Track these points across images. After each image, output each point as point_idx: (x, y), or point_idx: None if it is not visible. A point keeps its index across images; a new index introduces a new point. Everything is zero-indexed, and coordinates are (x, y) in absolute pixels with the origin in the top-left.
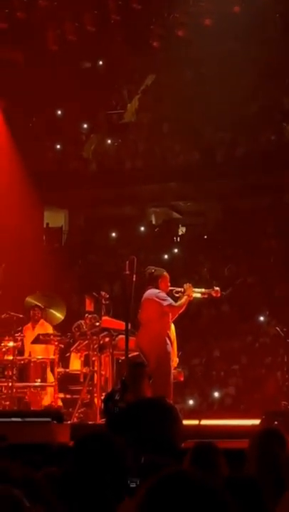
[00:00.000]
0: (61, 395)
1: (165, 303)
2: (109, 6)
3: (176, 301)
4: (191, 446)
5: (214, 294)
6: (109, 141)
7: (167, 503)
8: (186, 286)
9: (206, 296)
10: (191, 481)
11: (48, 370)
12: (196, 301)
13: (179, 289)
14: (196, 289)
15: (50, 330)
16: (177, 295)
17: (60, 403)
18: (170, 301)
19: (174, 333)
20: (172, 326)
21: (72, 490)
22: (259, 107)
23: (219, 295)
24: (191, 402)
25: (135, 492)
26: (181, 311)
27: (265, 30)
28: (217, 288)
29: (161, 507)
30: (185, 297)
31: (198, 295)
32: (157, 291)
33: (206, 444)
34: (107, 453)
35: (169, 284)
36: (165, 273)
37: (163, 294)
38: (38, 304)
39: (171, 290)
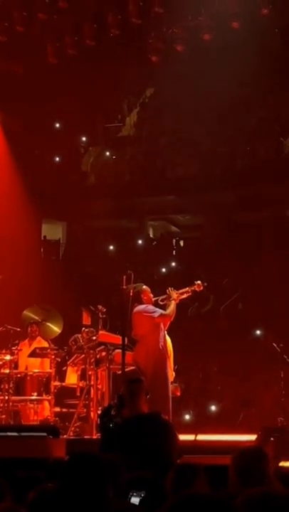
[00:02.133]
0: (57, 409)
1: (155, 314)
2: (108, 20)
3: (164, 309)
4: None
5: (197, 289)
6: (107, 154)
7: None
8: (169, 291)
9: (190, 293)
10: (207, 500)
11: (44, 383)
12: (191, 315)
13: (163, 297)
14: (180, 291)
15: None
16: (162, 303)
17: (55, 418)
18: (159, 311)
19: (171, 348)
20: (169, 341)
21: (64, 507)
22: (258, 119)
23: (202, 288)
24: (187, 416)
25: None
26: (172, 317)
27: (264, 44)
28: (198, 282)
29: None
30: (173, 302)
31: (184, 295)
32: (144, 305)
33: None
34: (96, 472)
35: (151, 296)
36: (144, 287)
37: (150, 307)
38: (36, 317)
39: (156, 300)
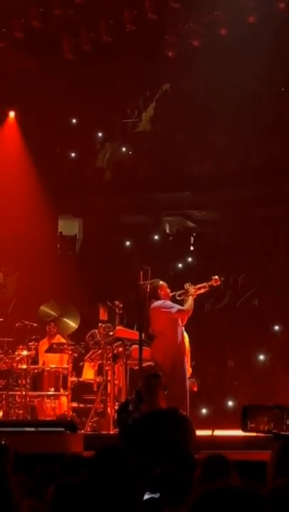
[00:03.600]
0: (74, 404)
1: (173, 310)
2: (124, 15)
3: (181, 304)
4: (203, 457)
5: (215, 284)
6: (123, 150)
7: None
8: (187, 286)
9: (207, 288)
10: (237, 492)
11: (62, 379)
12: (207, 310)
13: (181, 292)
14: (197, 286)
15: None
16: (180, 298)
17: (72, 413)
18: (177, 307)
19: (188, 344)
20: (186, 336)
21: (90, 501)
22: (273, 116)
23: (219, 282)
24: (204, 412)
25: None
26: (190, 313)
27: (281, 40)
28: (215, 277)
29: None
30: (190, 298)
31: (201, 290)
32: (161, 301)
33: (217, 456)
34: (125, 466)
35: (168, 291)
36: (161, 282)
37: (168, 303)
38: (53, 313)
39: (174, 295)
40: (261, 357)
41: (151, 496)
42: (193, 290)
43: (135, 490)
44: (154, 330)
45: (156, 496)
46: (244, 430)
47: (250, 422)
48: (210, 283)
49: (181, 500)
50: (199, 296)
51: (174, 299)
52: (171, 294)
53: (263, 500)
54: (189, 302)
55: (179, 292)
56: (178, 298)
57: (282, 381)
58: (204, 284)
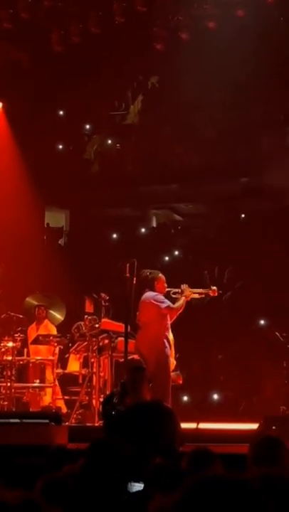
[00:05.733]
0: (59, 396)
1: (163, 305)
2: (113, 7)
3: (173, 302)
4: (188, 450)
5: (211, 294)
6: (111, 142)
7: (206, 502)
8: (184, 286)
9: (203, 295)
10: (229, 482)
11: (47, 370)
12: (194, 303)
13: (176, 290)
14: (194, 290)
15: (54, 331)
16: (174, 296)
17: (59, 404)
18: (168, 303)
19: (172, 336)
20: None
21: (82, 495)
22: (262, 110)
23: (216, 294)
24: (189, 405)
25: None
26: (179, 312)
27: (269, 33)
28: (214, 287)
29: (200, 506)
30: (183, 298)
31: (196, 295)
32: (154, 293)
33: (203, 449)
34: (118, 460)
35: (165, 286)
36: (160, 275)
37: (160, 297)
38: (40, 303)
39: (169, 291)
40: (247, 351)
41: (139, 487)
42: (189, 293)
43: (125, 484)
44: (139, 320)
45: (144, 487)
46: None
47: None
48: (206, 291)
49: (169, 491)
50: (193, 300)
51: (168, 295)
52: (167, 290)
53: (254, 490)
54: (180, 302)
55: (174, 290)
56: (172, 295)
57: (268, 375)
58: (201, 290)
